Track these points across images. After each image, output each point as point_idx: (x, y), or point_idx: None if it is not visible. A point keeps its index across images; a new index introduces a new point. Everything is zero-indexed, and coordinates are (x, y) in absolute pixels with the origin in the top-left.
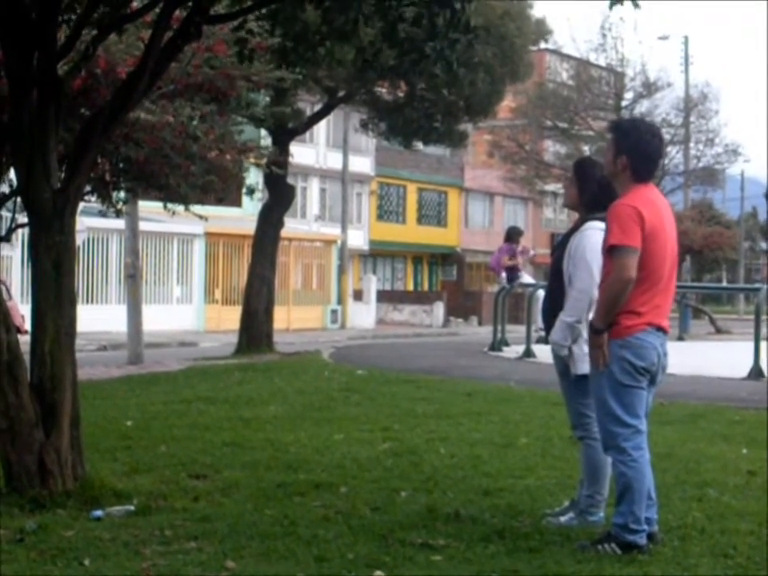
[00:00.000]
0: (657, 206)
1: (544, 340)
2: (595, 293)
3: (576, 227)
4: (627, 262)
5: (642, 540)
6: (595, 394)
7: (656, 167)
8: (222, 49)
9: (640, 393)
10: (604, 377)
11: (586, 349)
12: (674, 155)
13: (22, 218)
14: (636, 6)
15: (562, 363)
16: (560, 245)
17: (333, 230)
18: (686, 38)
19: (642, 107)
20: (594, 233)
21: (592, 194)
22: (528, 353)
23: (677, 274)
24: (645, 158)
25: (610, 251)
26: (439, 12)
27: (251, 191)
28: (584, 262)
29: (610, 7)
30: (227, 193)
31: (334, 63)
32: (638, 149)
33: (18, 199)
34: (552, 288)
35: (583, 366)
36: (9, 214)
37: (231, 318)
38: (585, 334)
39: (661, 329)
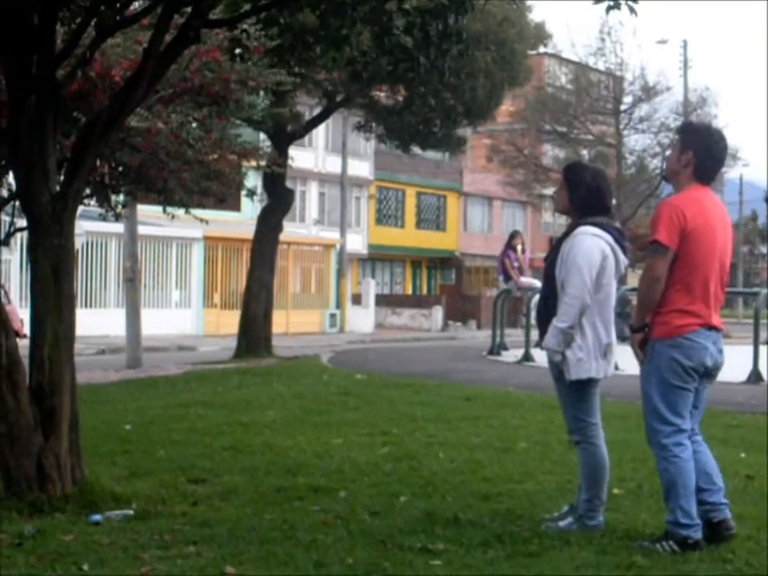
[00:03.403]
0: (705, 207)
1: (538, 345)
2: (587, 298)
3: (568, 232)
4: (656, 262)
5: (696, 534)
6: (642, 389)
7: (718, 170)
8: (216, 55)
9: (686, 393)
10: (652, 374)
11: (579, 354)
12: None
13: (21, 222)
14: (633, 11)
15: (557, 369)
16: (553, 250)
17: (332, 234)
18: (685, 41)
19: (641, 111)
20: (586, 237)
21: (582, 198)
22: (527, 357)
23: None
24: (709, 157)
25: (649, 247)
26: (432, 22)
27: (251, 193)
28: (576, 267)
29: (607, 12)
30: (226, 196)
31: (329, 64)
32: (704, 147)
33: (17, 203)
34: (545, 293)
35: (577, 372)
36: (7, 218)
37: (230, 322)
38: (578, 339)
39: (713, 328)
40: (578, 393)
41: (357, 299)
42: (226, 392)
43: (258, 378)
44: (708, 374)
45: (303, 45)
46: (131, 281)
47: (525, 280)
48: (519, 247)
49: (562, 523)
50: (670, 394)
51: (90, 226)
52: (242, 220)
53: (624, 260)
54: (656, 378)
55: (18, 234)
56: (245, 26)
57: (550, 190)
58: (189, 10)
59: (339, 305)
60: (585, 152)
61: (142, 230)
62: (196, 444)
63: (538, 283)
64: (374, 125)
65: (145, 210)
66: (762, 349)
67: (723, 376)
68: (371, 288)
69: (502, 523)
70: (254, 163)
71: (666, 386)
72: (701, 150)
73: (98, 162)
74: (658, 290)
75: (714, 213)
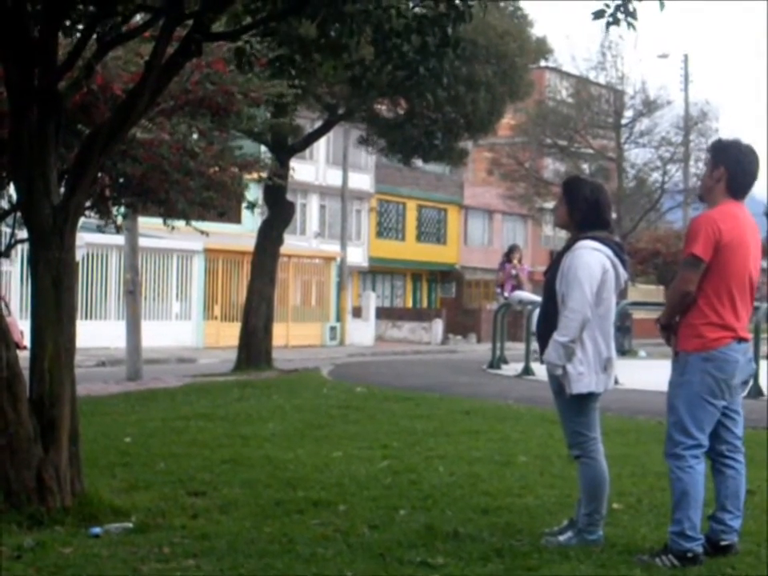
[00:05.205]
0: (740, 222)
1: (539, 359)
2: (588, 312)
3: (568, 246)
4: (689, 275)
5: (698, 548)
6: (669, 401)
7: (750, 184)
8: (221, 66)
9: (713, 411)
10: (683, 387)
11: (580, 368)
12: (673, 173)
13: (22, 234)
14: (631, 26)
15: (557, 383)
16: (553, 264)
17: (332, 247)
18: (686, 56)
19: (642, 125)
20: (586, 251)
21: (581, 212)
22: (527, 370)
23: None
24: (740, 171)
25: (683, 260)
26: (430, 31)
27: (252, 205)
28: (576, 281)
29: (606, 28)
30: (227, 208)
31: (329, 74)
32: (734, 161)
33: (18, 215)
34: (546, 308)
35: (578, 386)
36: (8, 230)
37: (230, 334)
38: (579, 353)
39: (743, 339)
40: (578, 407)
41: (357, 312)
42: (226, 405)
43: (257, 390)
44: (734, 388)
45: (303, 55)
46: (131, 293)
47: (519, 294)
48: (515, 261)
49: (561, 537)
50: (697, 409)
51: (90, 237)
52: (243, 232)
53: (624, 274)
54: (686, 391)
55: (19, 246)
56: (247, 39)
57: (550, 204)
58: (190, 22)
59: (339, 318)
60: (585, 166)
61: (142, 242)
62: (196, 457)
63: (530, 296)
64: (375, 138)
65: (145, 222)
66: (763, 363)
67: None
68: (371, 301)
69: (501, 537)
70: (255, 175)
71: (696, 400)
72: (731, 165)
73: (99, 174)
74: (688, 301)
75: (747, 228)
